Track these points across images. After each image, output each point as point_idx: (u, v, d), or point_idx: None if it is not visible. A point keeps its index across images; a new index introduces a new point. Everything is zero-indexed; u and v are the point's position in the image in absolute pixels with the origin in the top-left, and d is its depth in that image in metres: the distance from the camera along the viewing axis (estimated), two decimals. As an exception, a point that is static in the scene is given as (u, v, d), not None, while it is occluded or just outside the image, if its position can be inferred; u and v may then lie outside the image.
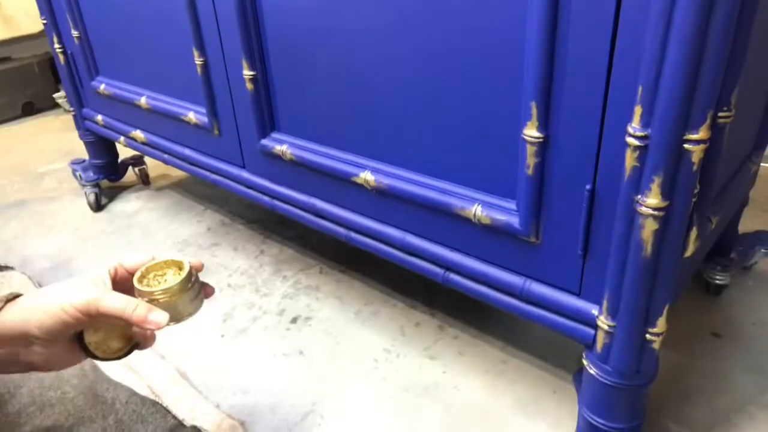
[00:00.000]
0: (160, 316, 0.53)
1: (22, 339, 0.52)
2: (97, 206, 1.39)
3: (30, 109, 2.13)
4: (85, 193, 1.39)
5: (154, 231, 1.30)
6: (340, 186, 0.81)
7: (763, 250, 1.01)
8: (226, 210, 1.36)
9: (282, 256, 1.17)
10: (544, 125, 0.56)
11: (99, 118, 1.29)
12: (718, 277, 0.96)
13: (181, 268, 0.55)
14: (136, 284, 0.54)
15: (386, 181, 0.74)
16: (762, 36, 0.61)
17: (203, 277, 0.57)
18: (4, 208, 1.44)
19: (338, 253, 1.16)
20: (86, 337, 0.55)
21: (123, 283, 0.56)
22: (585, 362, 0.64)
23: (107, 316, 0.52)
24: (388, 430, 0.77)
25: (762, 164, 1.43)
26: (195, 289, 0.56)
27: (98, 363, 0.56)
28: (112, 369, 0.86)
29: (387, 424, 0.78)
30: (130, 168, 1.49)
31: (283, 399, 0.83)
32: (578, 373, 0.69)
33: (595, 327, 0.61)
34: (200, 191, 1.46)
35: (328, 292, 1.05)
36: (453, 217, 0.69)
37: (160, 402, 0.80)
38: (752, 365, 0.84)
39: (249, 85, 0.85)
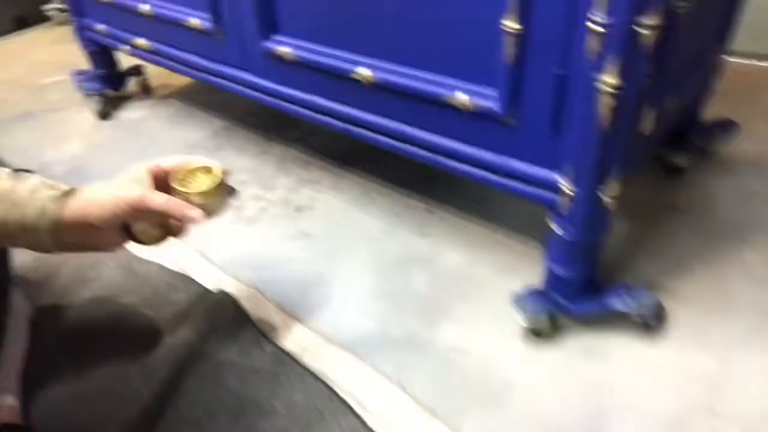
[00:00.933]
0: (195, 212, 0.64)
1: (82, 225, 0.63)
2: (104, 115, 1.46)
3: (21, 24, 2.13)
4: (92, 103, 1.45)
5: (162, 136, 1.38)
6: (339, 83, 0.89)
7: (721, 136, 1.11)
8: (229, 116, 1.44)
9: (284, 156, 1.26)
10: (520, 17, 0.64)
11: (101, 27, 1.33)
12: (680, 160, 1.07)
13: (211, 172, 0.67)
14: (174, 185, 0.65)
15: (381, 75, 0.82)
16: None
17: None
18: (12, 119, 1.51)
19: (337, 152, 1.25)
20: (134, 227, 0.66)
21: (159, 179, 0.66)
22: (551, 223, 0.75)
23: (152, 211, 0.63)
24: (385, 289, 0.91)
25: (742, 60, 1.50)
26: (224, 190, 0.68)
27: (129, 246, 0.68)
28: (141, 251, 0.98)
29: (384, 285, 0.91)
30: (132, 79, 1.55)
31: (293, 271, 0.95)
32: (546, 239, 0.81)
33: (561, 192, 0.72)
34: (202, 99, 1.53)
35: (329, 186, 1.16)
36: (442, 105, 0.78)
37: (187, 275, 0.92)
38: (701, 230, 0.96)
39: (250, -12, 0.91)
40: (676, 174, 1.09)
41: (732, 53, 1.56)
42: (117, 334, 0.81)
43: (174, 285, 0.89)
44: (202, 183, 0.66)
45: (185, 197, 0.65)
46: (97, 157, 1.31)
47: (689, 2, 0.63)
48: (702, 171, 1.12)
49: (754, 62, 1.51)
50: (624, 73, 0.59)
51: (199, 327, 0.79)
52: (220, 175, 0.67)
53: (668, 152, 1.08)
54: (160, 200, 0.63)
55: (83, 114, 1.50)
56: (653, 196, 1.06)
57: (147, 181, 0.65)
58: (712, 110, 1.11)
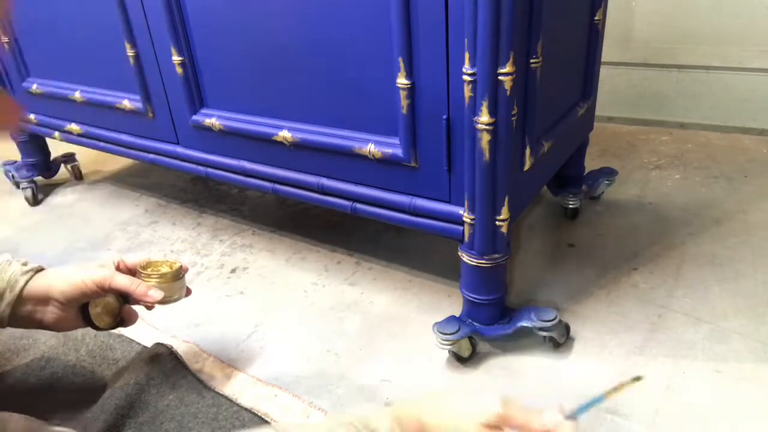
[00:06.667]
0: (156, 292, 0.74)
1: (44, 300, 0.71)
2: (35, 201, 1.48)
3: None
4: (22, 189, 1.48)
5: (94, 217, 1.41)
6: (263, 146, 0.99)
7: (606, 182, 1.28)
8: (161, 194, 1.50)
9: (218, 225, 1.32)
10: (410, 74, 0.77)
11: (31, 117, 1.39)
12: (572, 203, 1.22)
13: (172, 267, 0.78)
14: (139, 270, 0.76)
15: (300, 135, 0.93)
16: (561, 10, 0.85)
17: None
18: (-63, 212, 1.50)
19: (267, 219, 1.33)
20: (90, 309, 0.76)
21: (122, 271, 0.76)
22: (460, 254, 0.85)
23: (116, 290, 0.72)
24: (318, 334, 0.96)
25: (621, 125, 1.73)
26: (182, 282, 0.79)
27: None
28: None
29: (317, 331, 0.97)
30: (63, 166, 1.59)
31: (230, 325, 0.99)
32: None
33: (463, 223, 0.82)
34: (134, 181, 1.58)
35: (261, 248, 1.22)
36: (354, 156, 0.88)
37: (124, 335, 0.95)
38: (594, 262, 1.09)
39: (178, 69, 1.01)
40: (571, 216, 1.24)
41: (612, 119, 1.81)
42: (56, 392, 0.82)
43: (111, 345, 0.91)
44: (162, 271, 0.77)
45: (146, 280, 0.74)
46: (29, 240, 1.33)
47: (542, 58, 0.78)
48: (593, 211, 1.27)
49: (632, 126, 1.75)
50: (494, 112, 0.72)
51: (137, 379, 0.81)
52: (179, 264, 0.77)
53: (563, 198, 1.23)
54: (124, 280, 0.72)
55: (13, 202, 1.51)
56: (554, 236, 1.19)
57: (111, 267, 0.75)
58: (598, 162, 1.28)
